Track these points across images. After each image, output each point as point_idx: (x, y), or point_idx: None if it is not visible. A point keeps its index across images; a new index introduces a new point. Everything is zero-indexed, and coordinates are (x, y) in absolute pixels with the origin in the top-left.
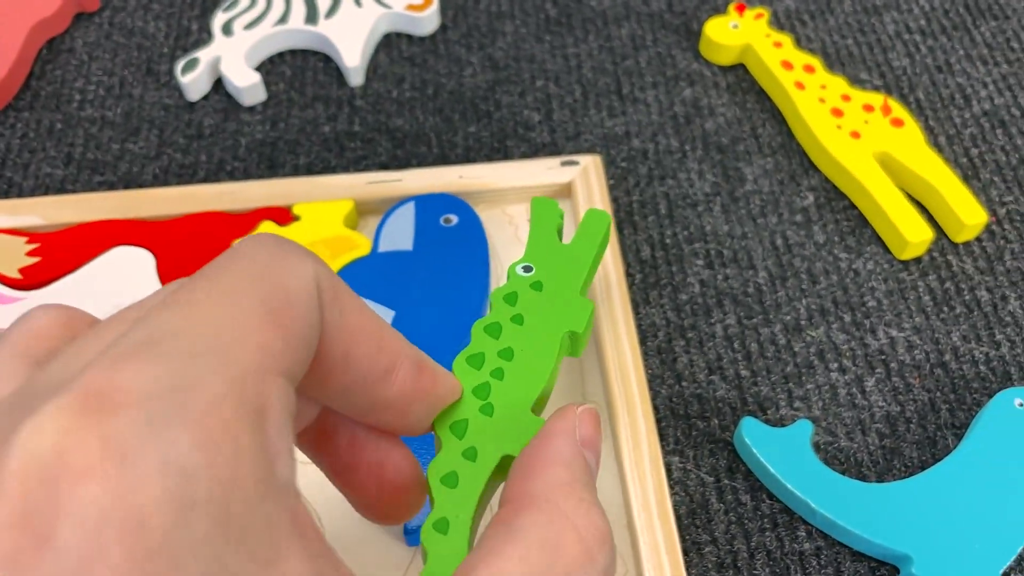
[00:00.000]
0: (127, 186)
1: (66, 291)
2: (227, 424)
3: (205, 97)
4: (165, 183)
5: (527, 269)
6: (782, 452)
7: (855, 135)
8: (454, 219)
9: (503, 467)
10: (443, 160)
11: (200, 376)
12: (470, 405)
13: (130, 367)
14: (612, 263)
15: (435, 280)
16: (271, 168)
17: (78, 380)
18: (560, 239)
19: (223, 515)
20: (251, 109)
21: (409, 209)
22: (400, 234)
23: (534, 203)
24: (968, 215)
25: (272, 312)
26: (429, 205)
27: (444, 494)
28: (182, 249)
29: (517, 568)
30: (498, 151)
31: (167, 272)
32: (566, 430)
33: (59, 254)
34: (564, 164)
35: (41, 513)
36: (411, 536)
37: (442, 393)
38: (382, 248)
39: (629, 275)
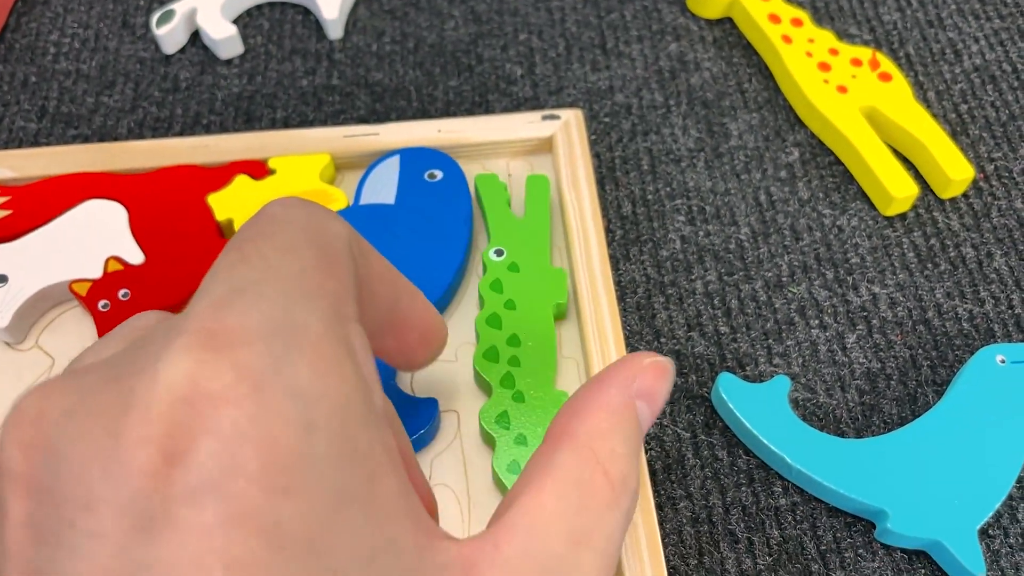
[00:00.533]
0: (101, 139)
1: (37, 244)
2: (336, 357)
3: (181, 50)
4: (140, 137)
5: (499, 253)
6: (759, 407)
7: (842, 90)
8: (439, 174)
9: None
10: (423, 115)
11: (299, 316)
12: (503, 397)
13: (235, 311)
14: (591, 219)
15: (417, 234)
16: (248, 122)
17: (192, 323)
18: (511, 211)
19: (339, 436)
20: (228, 62)
21: (394, 163)
22: (383, 187)
23: (478, 182)
24: (955, 170)
25: (330, 265)
26: (414, 159)
27: (513, 481)
28: (155, 202)
29: (553, 502)
30: (479, 106)
31: (139, 225)
32: (622, 379)
33: (30, 207)
34: (545, 118)
35: (183, 432)
36: None
37: (436, 323)
38: (364, 200)
39: (610, 231)
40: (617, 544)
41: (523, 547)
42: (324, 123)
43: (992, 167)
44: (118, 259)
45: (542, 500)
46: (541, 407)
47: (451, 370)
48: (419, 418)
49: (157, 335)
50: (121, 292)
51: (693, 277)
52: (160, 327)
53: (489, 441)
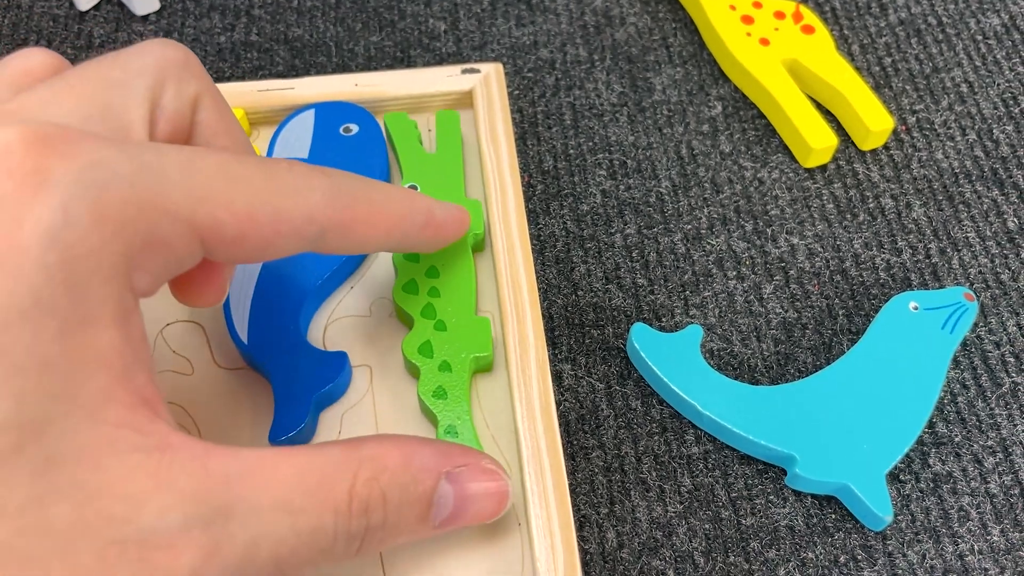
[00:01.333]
0: None
1: None
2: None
3: (96, 7)
4: None
5: (413, 188)
6: (671, 356)
7: (764, 42)
8: (355, 128)
9: (477, 367)
10: (343, 71)
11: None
12: (424, 327)
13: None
14: (509, 173)
15: None
16: None
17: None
18: (423, 148)
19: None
20: (144, 19)
21: (308, 117)
22: (297, 142)
23: (388, 120)
24: (874, 121)
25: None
26: (329, 113)
27: (440, 406)
28: None
29: (297, 475)
30: (401, 61)
31: None
32: (452, 460)
33: None
34: (465, 72)
35: None
36: None
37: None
38: (276, 155)
39: (531, 186)
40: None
41: (251, 485)
42: (241, 79)
43: (914, 119)
44: None
45: (295, 465)
46: (463, 333)
47: (365, 324)
48: (328, 370)
49: None
50: None
51: (613, 231)
52: None
53: (413, 371)
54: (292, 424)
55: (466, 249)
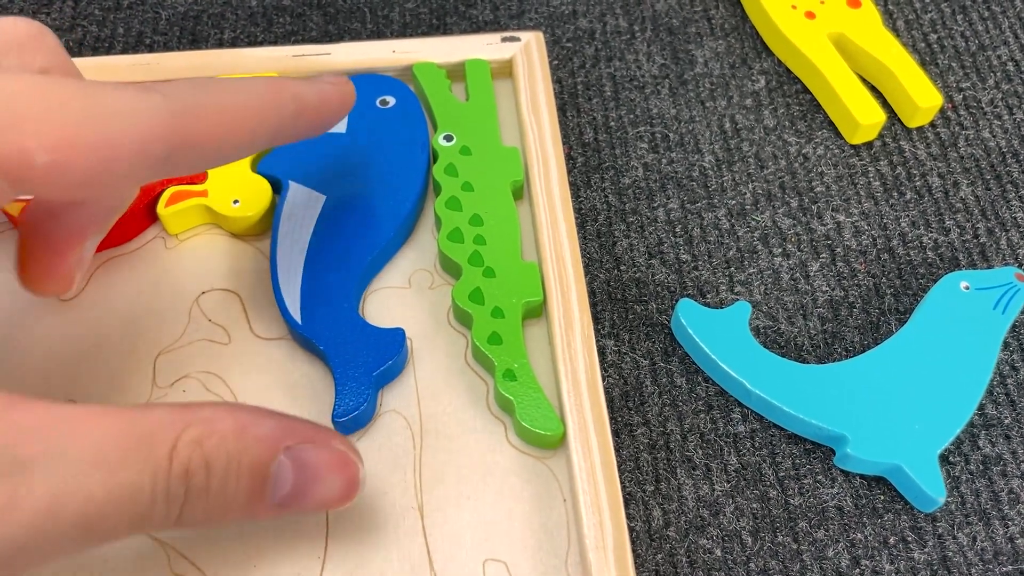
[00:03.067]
0: None
1: None
2: None
3: None
4: (79, 56)
5: (448, 138)
6: (718, 333)
7: (810, 16)
8: (391, 100)
9: (528, 312)
10: (378, 37)
11: None
12: (473, 275)
13: None
14: (552, 144)
15: (371, 164)
16: (193, 43)
17: None
18: (455, 98)
19: None
20: None
21: None
22: None
23: (417, 71)
24: (922, 97)
25: None
26: (364, 86)
27: (497, 351)
28: None
29: (117, 435)
30: (437, 28)
31: None
32: (292, 437)
33: None
34: (504, 40)
35: None
36: (343, 426)
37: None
38: None
39: (571, 158)
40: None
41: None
42: (274, 44)
43: (960, 97)
44: None
45: (116, 422)
46: (512, 279)
47: (403, 295)
48: (387, 347)
49: None
50: None
51: (655, 205)
52: None
53: (465, 319)
54: (355, 403)
55: (507, 196)
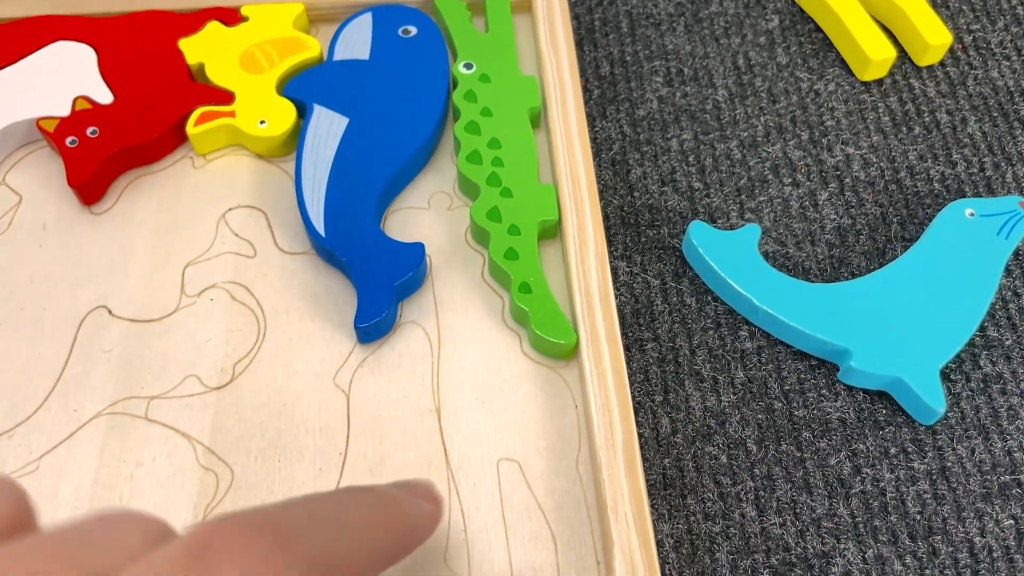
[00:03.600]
0: None
1: (3, 82)
2: None
3: None
4: None
5: (468, 66)
6: (728, 253)
7: None
8: (413, 30)
9: (543, 232)
10: None
11: None
12: (491, 194)
13: None
14: (569, 76)
15: (392, 89)
16: None
17: None
18: (475, 29)
19: None
20: None
21: (367, 19)
22: (357, 43)
23: (439, 3)
24: (933, 35)
25: None
26: (387, 16)
27: (514, 266)
28: (125, 45)
29: None
30: None
31: (109, 67)
32: None
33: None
34: None
35: None
36: (364, 333)
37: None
38: (337, 57)
39: (587, 91)
40: None
41: None
42: None
43: (971, 38)
44: (87, 99)
45: None
46: (529, 199)
47: (422, 218)
48: (407, 260)
49: None
50: (89, 129)
51: (669, 136)
52: None
53: (482, 237)
54: (376, 311)
55: (525, 122)
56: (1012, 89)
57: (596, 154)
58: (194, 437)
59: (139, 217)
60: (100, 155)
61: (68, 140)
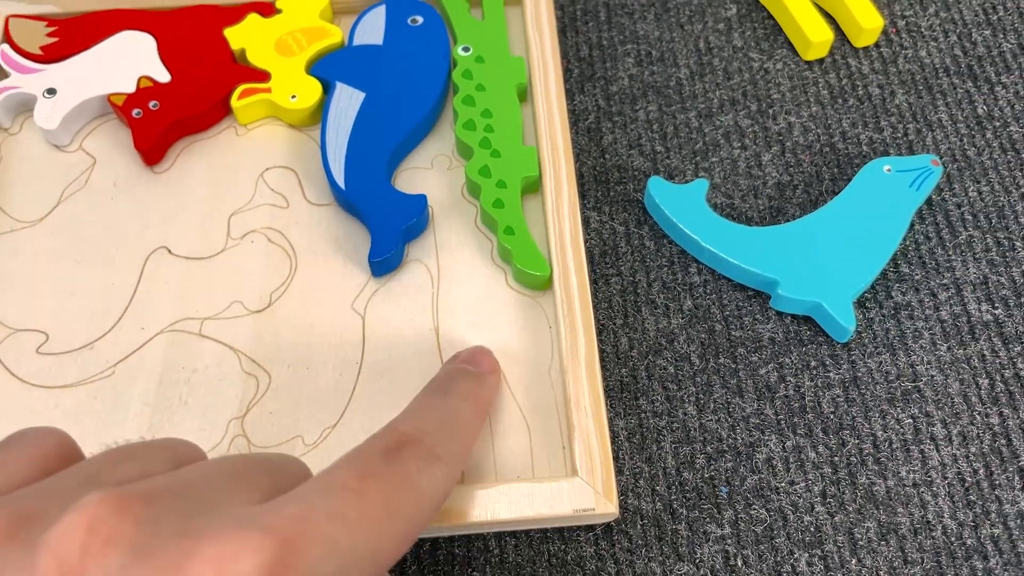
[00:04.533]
0: None
1: (80, 64)
2: None
3: None
4: None
5: (466, 49)
6: (681, 203)
7: None
8: (420, 19)
9: (526, 187)
10: None
11: None
12: (483, 155)
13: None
14: (551, 57)
15: (401, 69)
16: None
17: None
18: (471, 15)
19: None
20: None
21: (381, 10)
22: (372, 31)
23: None
24: (866, 20)
25: None
26: (398, 7)
27: (500, 213)
28: (179, 34)
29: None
30: None
31: (166, 52)
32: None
33: (74, 35)
34: None
35: None
36: (376, 267)
37: None
38: (356, 42)
39: (568, 70)
40: None
41: None
42: None
43: (903, 23)
44: (149, 78)
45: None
46: (514, 159)
47: (426, 176)
48: (413, 208)
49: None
50: (151, 103)
51: (637, 108)
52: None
53: (475, 191)
54: (386, 248)
55: (513, 96)
56: (937, 66)
57: (574, 123)
58: (238, 349)
59: (192, 176)
60: (161, 124)
61: (134, 112)
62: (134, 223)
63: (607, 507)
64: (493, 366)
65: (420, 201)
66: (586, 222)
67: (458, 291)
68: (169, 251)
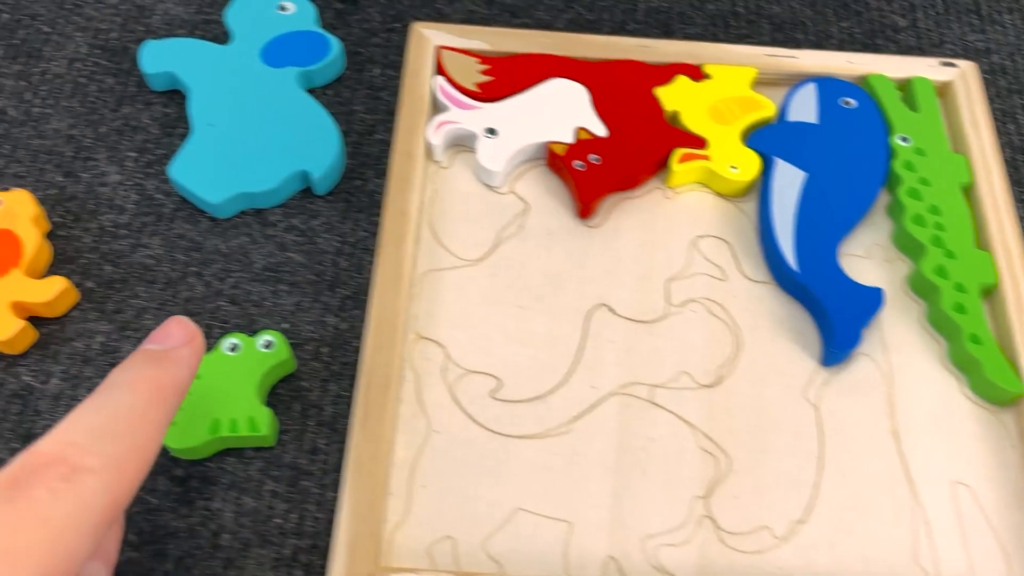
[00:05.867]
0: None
1: (518, 108)
2: None
3: None
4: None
5: (905, 139)
6: None
7: None
8: (853, 102)
9: (983, 292)
10: (817, 47)
11: None
12: (936, 253)
13: None
14: (991, 154)
15: (841, 152)
16: (666, 34)
17: None
18: (904, 106)
19: None
20: None
21: (812, 88)
22: (805, 108)
23: (874, 81)
24: None
25: None
26: (829, 87)
27: (963, 319)
28: (611, 88)
29: None
30: (868, 47)
31: (600, 105)
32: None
33: (508, 76)
34: (943, 64)
35: None
36: (833, 357)
37: None
38: (791, 118)
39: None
40: None
41: None
42: (732, 43)
43: None
44: (586, 130)
45: None
46: (970, 263)
47: (862, 265)
48: (872, 303)
49: None
50: (592, 156)
51: None
52: None
53: (927, 289)
54: (851, 342)
55: (958, 194)
56: None
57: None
58: (692, 423)
59: (625, 234)
60: (604, 178)
61: (575, 163)
62: (572, 276)
63: None
64: (185, 338)
65: (878, 295)
66: None
67: (913, 394)
68: (610, 309)
